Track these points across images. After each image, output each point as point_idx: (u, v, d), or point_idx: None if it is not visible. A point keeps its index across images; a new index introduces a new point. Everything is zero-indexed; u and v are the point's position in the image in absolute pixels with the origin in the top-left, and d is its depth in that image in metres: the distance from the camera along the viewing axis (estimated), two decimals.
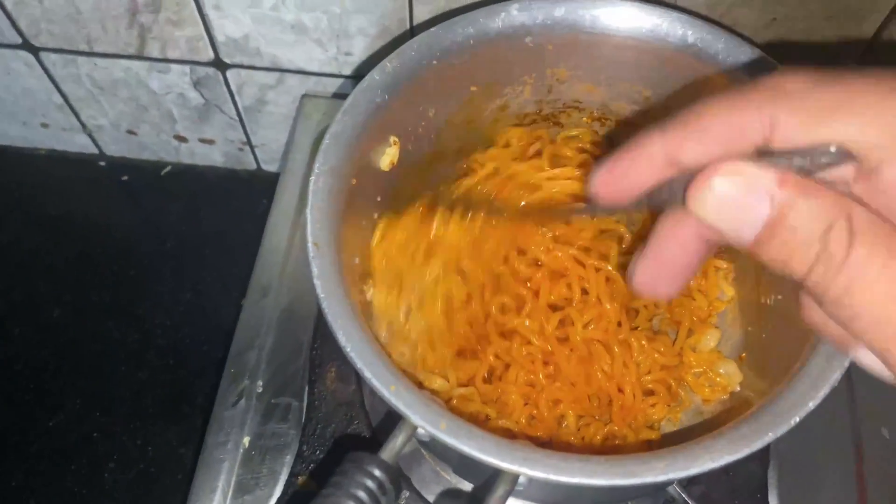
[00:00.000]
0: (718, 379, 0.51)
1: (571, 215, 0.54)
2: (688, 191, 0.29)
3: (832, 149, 0.27)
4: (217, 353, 0.79)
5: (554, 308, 0.52)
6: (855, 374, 0.58)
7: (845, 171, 0.28)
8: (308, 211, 0.42)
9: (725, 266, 0.55)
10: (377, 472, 0.35)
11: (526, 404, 0.50)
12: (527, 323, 0.51)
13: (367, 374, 0.38)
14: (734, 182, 0.28)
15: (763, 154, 0.29)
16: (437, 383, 0.49)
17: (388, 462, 0.36)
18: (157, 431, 0.76)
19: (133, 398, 0.77)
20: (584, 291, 0.53)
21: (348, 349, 0.38)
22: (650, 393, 0.51)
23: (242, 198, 0.87)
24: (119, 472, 0.74)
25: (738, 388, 0.50)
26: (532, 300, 0.52)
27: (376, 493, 0.34)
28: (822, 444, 0.56)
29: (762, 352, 0.51)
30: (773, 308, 0.51)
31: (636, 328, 0.53)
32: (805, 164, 0.27)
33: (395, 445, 0.37)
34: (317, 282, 0.40)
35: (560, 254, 0.53)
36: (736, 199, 0.28)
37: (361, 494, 0.33)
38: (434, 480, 0.52)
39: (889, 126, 0.27)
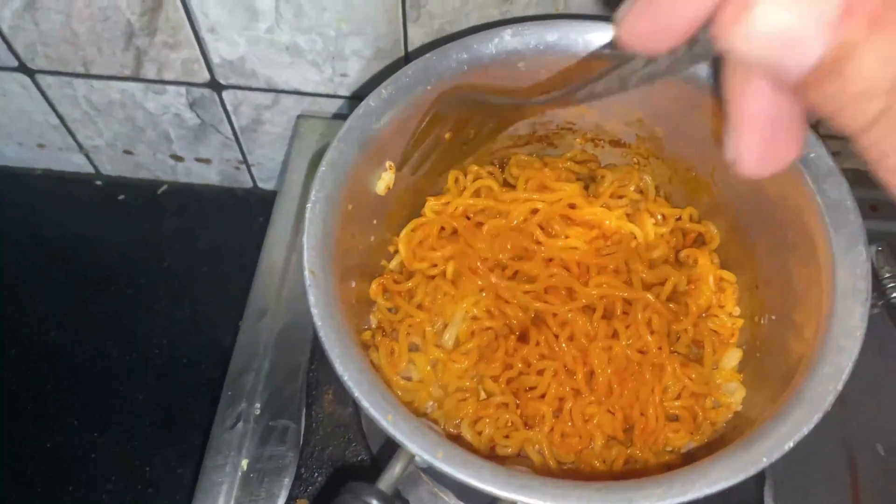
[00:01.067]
0: (725, 399, 0.51)
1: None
2: (721, 16, 0.23)
3: None
4: (214, 372, 0.79)
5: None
6: (849, 391, 0.58)
7: None
8: (304, 239, 0.43)
9: (733, 281, 0.55)
10: (374, 503, 0.35)
11: (556, 417, 0.50)
12: (570, 315, 0.52)
13: (365, 403, 0.38)
14: (783, 7, 0.21)
15: None
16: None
17: (384, 492, 0.36)
18: (155, 451, 0.76)
19: (131, 418, 0.77)
20: (627, 302, 0.53)
21: (345, 378, 0.38)
22: (674, 419, 0.51)
23: (239, 216, 0.87)
24: (117, 493, 0.74)
25: (741, 408, 0.50)
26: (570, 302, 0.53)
27: None
28: (817, 461, 0.56)
29: (758, 371, 0.51)
30: (767, 327, 0.51)
31: (673, 352, 0.53)
32: None
33: (392, 474, 0.37)
34: (314, 310, 0.40)
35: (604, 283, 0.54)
36: (783, 30, 0.22)
37: None
38: (432, 503, 0.52)
39: None
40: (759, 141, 0.26)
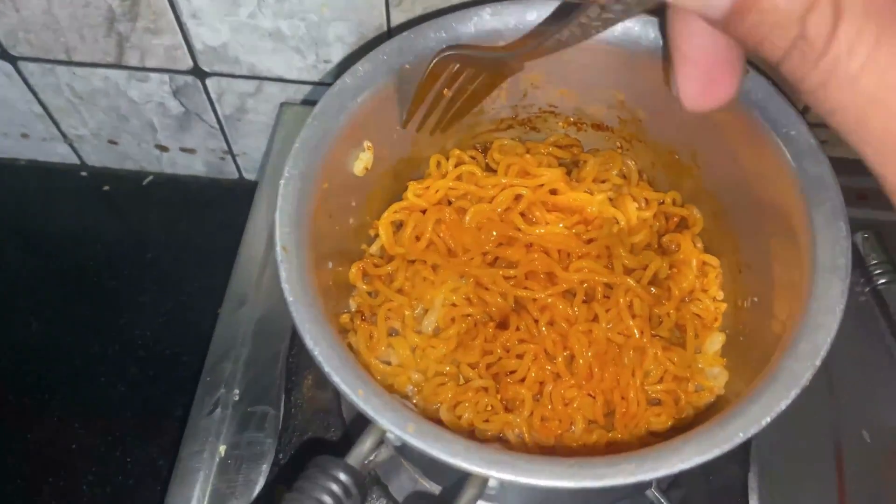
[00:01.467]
0: (709, 383, 0.50)
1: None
2: None
3: None
4: (197, 365, 0.78)
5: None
6: (835, 377, 0.58)
7: None
8: (276, 214, 0.42)
9: (717, 265, 0.54)
10: (342, 476, 0.34)
11: (536, 401, 0.50)
12: (550, 300, 0.51)
13: (335, 378, 0.37)
14: None
15: None
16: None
17: (353, 466, 0.35)
18: (137, 444, 0.75)
19: (112, 411, 0.76)
20: (608, 286, 0.53)
21: (316, 353, 0.38)
22: (656, 402, 0.51)
23: (224, 207, 0.86)
24: (98, 486, 0.73)
25: (724, 391, 0.50)
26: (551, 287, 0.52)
27: (341, 496, 0.33)
28: (802, 448, 0.56)
29: (740, 355, 0.51)
30: (750, 311, 0.51)
31: (655, 336, 0.52)
32: None
33: (362, 450, 0.36)
34: (285, 286, 0.40)
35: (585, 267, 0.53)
36: None
37: (325, 498, 0.33)
38: (412, 488, 0.52)
39: None
40: (699, 77, 0.30)
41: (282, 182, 0.43)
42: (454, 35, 0.49)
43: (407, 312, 0.52)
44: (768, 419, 0.36)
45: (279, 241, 0.41)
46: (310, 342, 0.38)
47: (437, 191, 0.56)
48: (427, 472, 0.50)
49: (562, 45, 0.39)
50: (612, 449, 0.48)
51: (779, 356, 0.38)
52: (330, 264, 0.49)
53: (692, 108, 0.31)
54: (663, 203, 0.57)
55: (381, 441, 0.38)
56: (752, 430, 0.36)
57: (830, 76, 0.22)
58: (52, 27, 0.68)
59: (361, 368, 0.39)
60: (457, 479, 0.39)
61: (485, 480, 0.36)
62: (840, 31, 0.22)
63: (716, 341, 0.53)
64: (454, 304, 0.53)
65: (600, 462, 0.35)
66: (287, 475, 0.55)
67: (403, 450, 0.46)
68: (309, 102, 0.73)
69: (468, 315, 0.52)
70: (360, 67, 0.47)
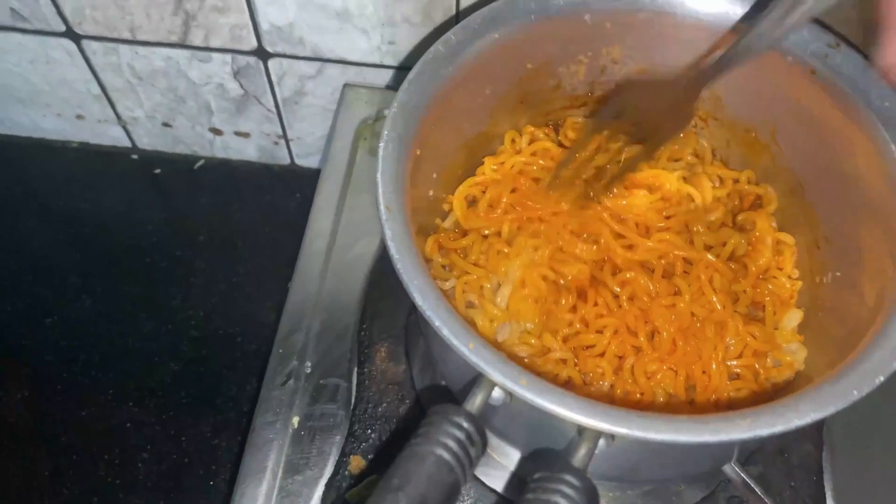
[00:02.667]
0: (788, 358, 0.50)
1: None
2: None
3: None
4: (250, 345, 0.79)
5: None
6: None
7: None
8: (378, 175, 0.42)
9: (792, 244, 0.55)
10: (465, 424, 0.34)
11: (615, 375, 0.50)
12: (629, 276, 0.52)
13: (446, 331, 0.37)
14: None
15: None
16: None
17: (473, 414, 0.35)
18: (191, 423, 0.75)
19: (166, 389, 0.77)
20: (687, 262, 0.53)
21: (425, 308, 0.38)
22: (735, 377, 0.51)
23: (276, 192, 0.87)
24: (152, 463, 0.73)
25: (803, 367, 0.50)
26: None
27: (465, 442, 0.33)
28: (875, 427, 0.56)
29: (819, 331, 0.51)
30: (830, 286, 0.51)
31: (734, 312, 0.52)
32: None
33: (475, 401, 0.36)
34: (390, 243, 0.40)
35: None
36: None
37: (451, 444, 0.33)
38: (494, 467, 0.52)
39: None
40: None
41: (381, 144, 0.43)
42: (543, 6, 0.49)
43: (485, 285, 0.53)
44: (882, 377, 0.36)
45: (383, 201, 0.41)
46: (418, 298, 0.38)
47: (513, 166, 0.56)
48: (525, 440, 0.49)
49: (749, 54, 0.39)
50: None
51: (885, 315, 0.38)
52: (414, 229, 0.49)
53: (889, 73, 0.32)
54: (738, 182, 0.57)
55: (489, 395, 0.38)
56: (867, 388, 0.36)
57: None
58: (119, 4, 0.68)
59: (468, 324, 0.39)
60: (565, 441, 0.39)
61: (597, 437, 0.36)
62: None
63: (793, 318, 0.53)
64: (525, 283, 0.53)
65: (715, 418, 0.35)
66: (360, 447, 0.55)
67: (497, 411, 0.46)
68: (371, 87, 0.73)
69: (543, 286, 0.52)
70: (453, 36, 0.48)
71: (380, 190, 0.42)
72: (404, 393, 0.56)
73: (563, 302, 0.52)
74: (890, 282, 0.42)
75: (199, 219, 0.86)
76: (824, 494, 0.53)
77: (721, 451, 0.48)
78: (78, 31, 0.72)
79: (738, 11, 0.49)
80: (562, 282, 0.53)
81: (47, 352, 0.78)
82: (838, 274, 0.50)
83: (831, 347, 0.48)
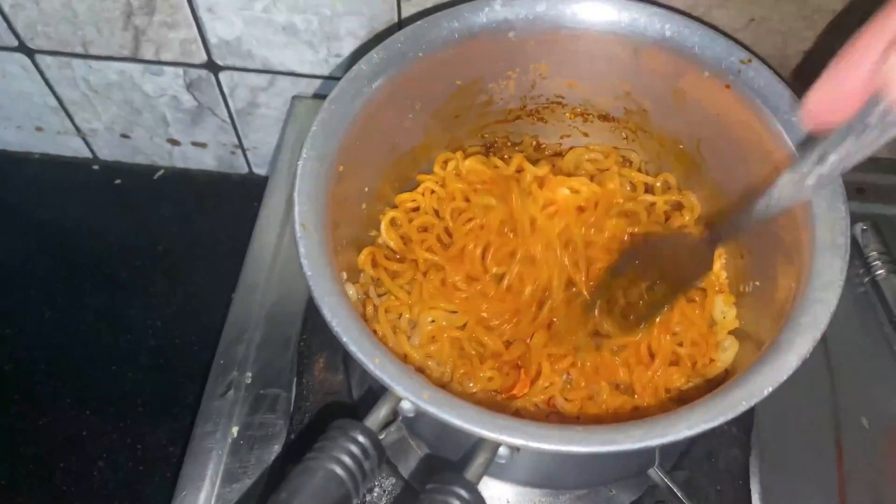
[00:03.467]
0: (719, 355, 0.52)
1: None
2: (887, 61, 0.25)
3: None
4: (207, 354, 0.79)
5: None
6: (835, 365, 0.59)
7: None
8: (295, 194, 0.43)
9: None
10: (361, 438, 0.35)
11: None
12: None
13: (353, 347, 0.38)
14: None
15: None
16: None
17: (371, 429, 0.36)
18: (147, 431, 0.76)
19: (123, 398, 0.78)
20: None
21: (334, 324, 0.39)
22: (675, 364, 0.52)
23: (234, 201, 0.88)
24: (109, 471, 0.74)
25: (731, 367, 0.51)
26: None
27: (360, 457, 0.35)
28: (803, 433, 0.57)
29: (744, 335, 0.52)
30: (752, 294, 0.52)
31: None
32: None
33: (378, 416, 0.38)
34: (304, 260, 0.41)
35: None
36: None
37: (345, 458, 0.34)
38: (420, 465, 0.53)
39: None
40: (833, 90, 0.30)
41: (300, 163, 0.45)
42: (466, 25, 0.50)
43: (404, 315, 0.53)
44: (770, 389, 0.37)
45: (298, 219, 0.42)
46: (328, 314, 0.39)
47: (434, 192, 0.58)
48: (437, 445, 0.51)
49: (769, 213, 0.39)
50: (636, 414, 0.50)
51: (781, 329, 0.40)
52: (344, 242, 0.50)
53: (812, 120, 0.31)
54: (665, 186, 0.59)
55: (395, 411, 0.39)
56: (755, 399, 0.37)
57: None
58: (70, 20, 0.69)
59: (378, 339, 0.40)
60: (467, 450, 0.40)
61: (495, 447, 0.37)
62: None
63: (726, 303, 0.54)
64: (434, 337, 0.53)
65: (608, 428, 0.37)
66: (297, 455, 0.56)
67: (415, 424, 0.47)
68: (320, 97, 0.74)
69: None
70: (376, 55, 0.49)
71: (296, 208, 0.43)
72: (342, 402, 0.57)
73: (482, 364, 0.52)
74: (795, 294, 0.43)
75: (158, 228, 0.87)
76: (750, 499, 0.54)
77: (641, 457, 0.50)
78: (31, 45, 0.73)
79: (656, 27, 0.50)
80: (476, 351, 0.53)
81: (6, 362, 0.79)
82: (757, 283, 0.51)
83: (754, 351, 0.49)
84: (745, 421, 0.56)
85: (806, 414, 0.58)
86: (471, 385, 0.51)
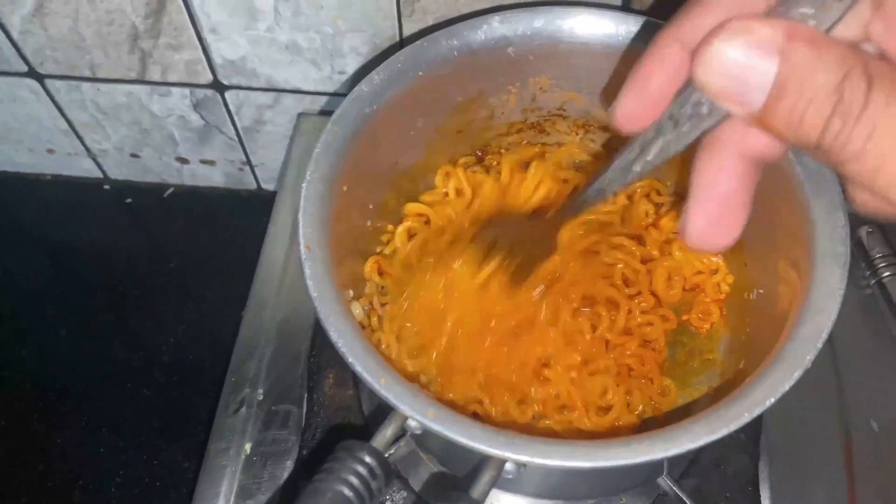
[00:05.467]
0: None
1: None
2: (693, 58, 0.27)
3: None
4: (219, 369, 0.80)
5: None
6: (843, 368, 0.59)
7: (862, 12, 0.27)
8: (300, 216, 0.44)
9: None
10: (368, 459, 0.36)
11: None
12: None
13: (358, 367, 0.39)
14: (740, 41, 0.26)
15: (774, 9, 0.27)
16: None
17: (378, 449, 0.37)
18: (162, 447, 0.77)
19: (138, 415, 0.79)
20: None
21: (340, 344, 0.40)
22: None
23: (243, 217, 0.89)
24: (125, 488, 0.75)
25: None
26: None
27: (367, 478, 0.35)
28: (811, 438, 0.57)
29: (747, 347, 0.52)
30: (756, 302, 0.52)
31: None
32: (817, 12, 0.26)
33: (385, 435, 0.38)
34: (309, 282, 0.42)
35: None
36: (742, 60, 0.26)
37: (353, 479, 0.35)
38: (431, 479, 0.53)
39: None
40: (709, 214, 0.31)
41: (304, 185, 0.45)
42: (465, 42, 0.51)
43: (406, 325, 0.54)
44: (773, 400, 0.37)
45: (303, 240, 0.43)
46: (334, 335, 0.40)
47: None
48: (445, 460, 0.51)
49: (603, 196, 0.40)
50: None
51: (783, 340, 0.40)
52: (347, 263, 0.51)
53: (694, 245, 0.32)
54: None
55: (403, 428, 0.40)
56: (758, 411, 0.37)
57: (876, 126, 0.24)
58: (77, 45, 0.70)
59: (383, 358, 0.41)
60: (474, 465, 0.40)
61: (501, 463, 0.38)
62: (873, 93, 0.24)
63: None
64: None
65: (613, 443, 0.37)
66: (310, 471, 0.56)
67: (423, 439, 0.47)
68: (325, 113, 0.75)
69: None
70: (376, 76, 0.49)
71: (301, 230, 0.44)
72: (352, 417, 0.58)
73: None
74: (796, 304, 0.43)
75: (169, 246, 0.88)
76: None
77: (649, 467, 0.50)
78: (40, 70, 0.74)
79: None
80: None
81: (24, 382, 0.81)
82: (761, 291, 0.52)
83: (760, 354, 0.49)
84: (754, 427, 0.57)
85: (814, 418, 0.58)
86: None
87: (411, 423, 0.39)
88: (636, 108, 0.32)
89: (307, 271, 0.42)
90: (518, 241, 0.51)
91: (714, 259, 0.57)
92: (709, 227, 0.32)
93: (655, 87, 0.31)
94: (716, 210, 0.31)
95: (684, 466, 0.55)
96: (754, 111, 0.26)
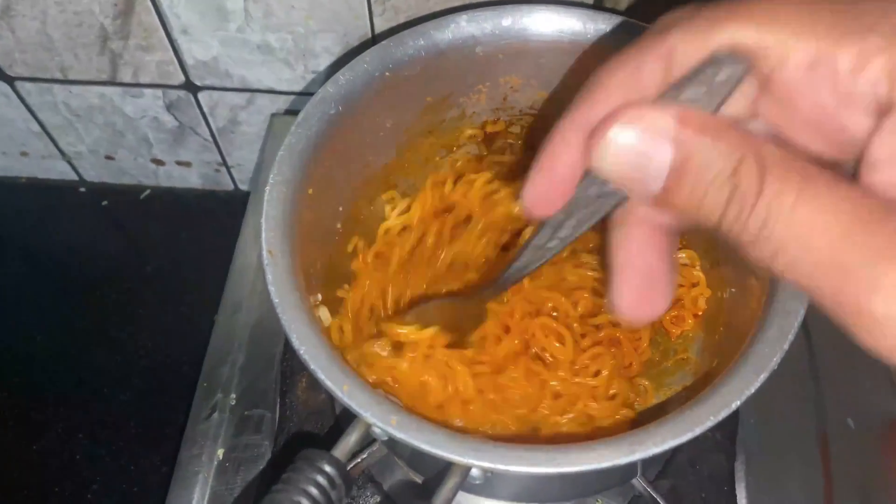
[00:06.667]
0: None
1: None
2: (588, 146, 0.28)
3: (727, 57, 0.26)
4: (198, 374, 0.80)
5: None
6: (819, 366, 0.59)
7: (749, 90, 0.27)
8: (262, 220, 0.43)
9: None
10: (327, 468, 0.35)
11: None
12: None
13: (321, 375, 0.39)
14: (632, 129, 0.26)
15: (665, 93, 0.28)
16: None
17: (338, 458, 0.36)
18: (141, 452, 0.76)
19: (116, 421, 0.78)
20: None
21: (302, 351, 0.39)
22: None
23: (221, 218, 0.88)
24: (103, 494, 0.74)
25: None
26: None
27: (326, 488, 0.35)
28: (788, 436, 0.57)
29: (721, 347, 0.52)
30: (729, 300, 0.52)
31: None
32: (706, 92, 0.26)
33: (348, 442, 0.38)
34: (271, 287, 0.41)
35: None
36: (636, 147, 0.26)
37: (311, 490, 0.34)
38: (402, 484, 0.53)
39: (781, 21, 0.25)
40: (635, 288, 0.32)
41: (267, 188, 0.45)
42: (432, 42, 0.50)
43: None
44: (738, 402, 0.37)
45: (265, 245, 0.43)
46: (296, 341, 0.40)
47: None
48: (415, 465, 0.51)
49: (521, 275, 0.41)
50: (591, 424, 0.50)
51: (749, 341, 0.40)
52: (318, 265, 0.50)
53: (627, 318, 0.33)
54: None
55: (368, 435, 0.39)
56: (723, 414, 0.37)
57: (770, 214, 0.24)
58: (47, 47, 0.70)
59: (347, 365, 0.40)
60: (440, 471, 0.40)
61: (466, 470, 0.38)
62: (766, 182, 0.24)
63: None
64: None
65: (577, 447, 0.37)
66: (279, 476, 0.56)
67: (393, 445, 0.47)
68: (295, 113, 0.74)
69: None
70: (342, 76, 0.49)
71: (263, 234, 0.43)
72: (324, 421, 0.57)
73: None
74: (764, 304, 0.43)
75: (146, 249, 0.87)
76: None
77: (622, 468, 0.49)
78: (10, 73, 0.73)
79: (622, 38, 0.50)
80: None
81: (0, 389, 0.80)
82: (733, 290, 0.51)
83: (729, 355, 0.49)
84: (729, 426, 0.56)
85: (791, 417, 0.58)
86: None
87: (376, 430, 0.39)
88: (545, 191, 0.33)
89: (269, 276, 0.42)
90: (450, 314, 0.50)
91: (695, 272, 0.56)
92: (638, 301, 0.32)
93: (562, 170, 0.32)
94: (641, 284, 0.32)
95: (660, 467, 0.55)
96: (654, 193, 0.27)
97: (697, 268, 0.56)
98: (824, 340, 0.59)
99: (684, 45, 0.27)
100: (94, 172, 0.88)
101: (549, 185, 0.33)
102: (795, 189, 0.24)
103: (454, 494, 0.36)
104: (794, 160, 0.25)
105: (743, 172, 0.25)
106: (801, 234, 0.24)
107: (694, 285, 0.56)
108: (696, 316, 0.55)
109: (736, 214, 0.25)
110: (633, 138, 0.26)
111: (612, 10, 0.51)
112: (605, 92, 0.30)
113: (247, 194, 0.88)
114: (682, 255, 0.56)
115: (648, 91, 0.28)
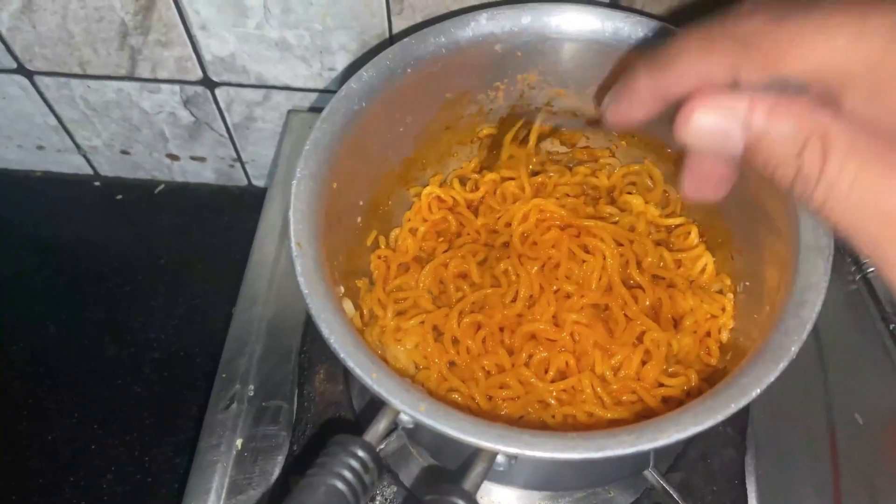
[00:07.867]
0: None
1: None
2: (674, 123, 0.32)
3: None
4: (210, 365, 0.81)
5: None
6: (828, 362, 0.60)
7: None
8: (290, 213, 0.44)
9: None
10: (360, 453, 0.36)
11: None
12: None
13: (350, 363, 0.39)
14: (711, 113, 0.31)
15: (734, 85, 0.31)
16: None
17: (370, 443, 0.37)
18: (154, 442, 0.77)
19: (129, 411, 0.79)
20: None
21: (331, 340, 0.40)
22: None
23: (234, 213, 0.89)
24: (117, 484, 0.75)
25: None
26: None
27: (360, 471, 0.36)
28: (797, 431, 0.58)
29: (735, 339, 0.53)
30: (743, 293, 0.53)
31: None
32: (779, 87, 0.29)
33: (377, 429, 0.39)
34: (300, 279, 0.42)
35: None
36: (714, 128, 0.31)
37: (346, 473, 0.35)
38: (421, 474, 0.54)
39: (845, 56, 0.28)
40: (700, 182, 0.38)
41: (294, 182, 0.46)
42: (453, 39, 0.51)
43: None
44: (758, 391, 0.38)
45: (294, 237, 0.43)
46: (325, 330, 0.40)
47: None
48: (437, 453, 0.52)
49: None
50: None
51: (768, 332, 0.41)
52: (340, 257, 0.51)
53: (689, 199, 0.40)
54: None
55: (394, 423, 0.40)
56: (744, 401, 0.38)
57: (828, 197, 0.28)
58: (66, 42, 0.70)
59: (374, 353, 0.41)
60: (465, 458, 0.41)
61: (493, 456, 0.38)
62: (828, 164, 0.28)
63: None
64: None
65: (601, 434, 0.38)
66: (300, 466, 0.57)
67: (414, 433, 0.48)
68: (315, 109, 0.75)
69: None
70: (365, 73, 0.50)
71: (291, 227, 0.44)
72: (343, 413, 0.58)
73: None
74: (782, 295, 0.44)
75: (160, 242, 0.88)
76: (746, 498, 0.55)
77: (635, 459, 0.51)
78: (30, 67, 0.74)
79: (639, 35, 0.51)
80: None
81: (13, 378, 0.81)
82: (747, 283, 0.52)
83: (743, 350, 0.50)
84: (740, 420, 0.57)
85: (800, 411, 0.59)
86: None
87: (403, 418, 0.40)
88: (620, 119, 0.39)
89: (298, 268, 0.42)
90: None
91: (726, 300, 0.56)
92: (700, 189, 0.38)
93: (633, 115, 0.38)
94: (706, 178, 0.38)
95: (671, 460, 0.56)
96: (734, 158, 0.32)
97: (730, 296, 0.56)
98: (833, 337, 0.60)
99: (751, 69, 0.30)
100: (109, 167, 0.89)
101: (624, 116, 0.38)
102: (854, 171, 0.27)
103: (482, 479, 0.37)
104: (860, 137, 0.28)
105: (806, 154, 0.28)
106: (859, 217, 0.28)
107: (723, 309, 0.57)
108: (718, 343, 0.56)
109: (801, 189, 0.29)
110: (712, 120, 0.31)
111: (629, 9, 0.52)
112: (680, 74, 0.33)
113: (260, 190, 0.90)
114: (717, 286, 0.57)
115: (720, 80, 0.32)
